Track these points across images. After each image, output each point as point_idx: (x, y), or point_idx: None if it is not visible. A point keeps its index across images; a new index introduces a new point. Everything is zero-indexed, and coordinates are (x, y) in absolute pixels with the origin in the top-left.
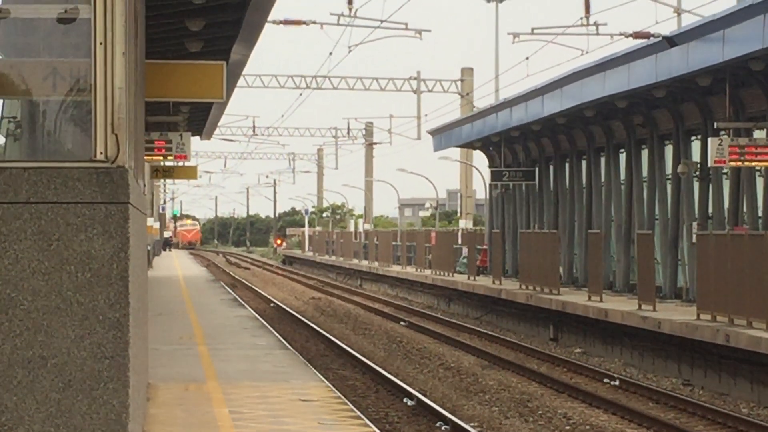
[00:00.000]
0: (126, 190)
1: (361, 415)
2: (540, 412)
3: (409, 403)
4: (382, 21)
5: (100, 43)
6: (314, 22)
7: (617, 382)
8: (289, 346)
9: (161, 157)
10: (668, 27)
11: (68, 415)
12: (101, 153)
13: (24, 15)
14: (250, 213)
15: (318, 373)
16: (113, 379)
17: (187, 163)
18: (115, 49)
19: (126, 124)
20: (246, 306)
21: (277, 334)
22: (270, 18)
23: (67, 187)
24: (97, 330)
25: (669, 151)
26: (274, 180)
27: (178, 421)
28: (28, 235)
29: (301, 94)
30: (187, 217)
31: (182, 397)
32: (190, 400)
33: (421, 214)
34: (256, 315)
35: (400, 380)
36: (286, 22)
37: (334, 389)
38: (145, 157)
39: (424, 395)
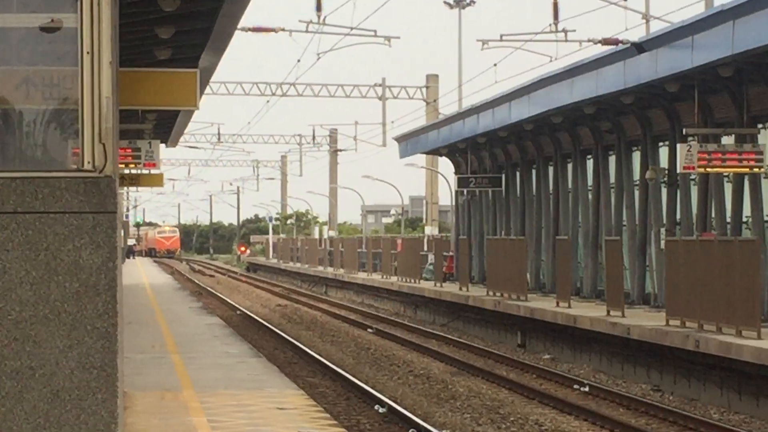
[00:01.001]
0: (114, 200)
1: (340, 424)
2: (512, 418)
3: (381, 410)
4: (351, 28)
5: (87, 53)
6: (283, 30)
7: (587, 388)
8: (261, 355)
9: (131, 166)
10: (637, 33)
11: (57, 425)
12: (89, 162)
13: (8, 24)
14: (214, 220)
15: (292, 382)
16: (102, 389)
17: (153, 171)
18: (102, 58)
19: (113, 133)
20: (214, 314)
21: (248, 343)
22: (239, 25)
23: (55, 197)
24: (86, 340)
25: (637, 157)
26: (238, 187)
27: (157, 430)
28: (15, 245)
29: (268, 101)
30: (161, 224)
31: (159, 406)
32: (167, 408)
33: (385, 220)
34: (225, 323)
35: (371, 387)
36: (255, 30)
37: (310, 397)
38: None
39: (395, 402)
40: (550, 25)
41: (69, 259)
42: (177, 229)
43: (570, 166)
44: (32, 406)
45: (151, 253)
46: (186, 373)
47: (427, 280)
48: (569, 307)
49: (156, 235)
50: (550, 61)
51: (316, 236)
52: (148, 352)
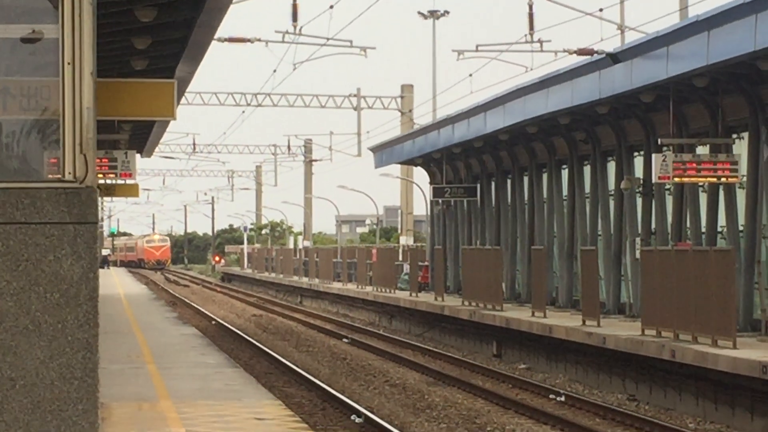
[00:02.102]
0: (95, 211)
1: None
2: (488, 428)
3: (357, 420)
4: (327, 39)
5: (68, 63)
6: (259, 40)
7: (563, 398)
8: (238, 365)
9: (107, 176)
10: (612, 44)
11: None
12: (69, 173)
13: None
14: (188, 230)
15: (269, 392)
16: (83, 400)
17: (129, 181)
18: (83, 68)
19: (94, 144)
20: (190, 324)
21: (224, 353)
22: (215, 35)
23: (36, 207)
24: (66, 351)
25: (612, 167)
26: (213, 197)
27: None
28: None
29: (243, 112)
30: (154, 233)
31: (136, 417)
32: (144, 419)
33: (360, 230)
34: (201, 333)
35: (347, 397)
36: (231, 40)
37: (287, 407)
38: None
39: (372, 412)
40: (525, 35)
41: (50, 270)
42: (167, 239)
43: (545, 176)
44: (13, 417)
45: (138, 264)
46: (163, 383)
47: (402, 290)
48: (545, 316)
49: (144, 244)
50: (526, 71)
51: (291, 246)
52: (125, 362)
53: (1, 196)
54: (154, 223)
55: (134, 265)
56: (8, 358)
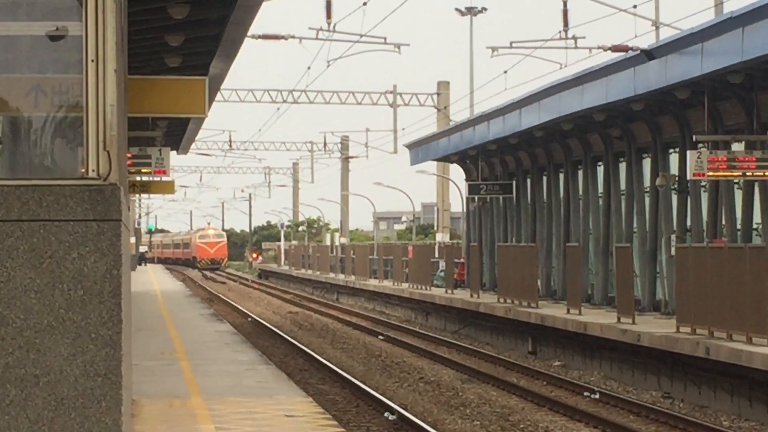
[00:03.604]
0: (118, 208)
1: None
2: (522, 425)
3: (390, 417)
4: (361, 35)
5: (92, 60)
6: (293, 37)
7: (597, 395)
8: (271, 362)
9: (142, 173)
10: (647, 40)
11: None
12: (93, 170)
13: (14, 32)
14: (226, 227)
15: (301, 389)
16: (106, 397)
17: (164, 178)
18: (106, 66)
19: (117, 141)
20: (225, 321)
21: (257, 350)
22: (248, 33)
23: (59, 205)
24: (90, 348)
25: (647, 164)
26: (250, 194)
27: None
28: (20, 253)
29: (278, 109)
30: (209, 227)
31: (167, 413)
32: (174, 416)
33: (396, 227)
34: (235, 330)
35: (380, 394)
36: (265, 37)
37: (319, 405)
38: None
39: (405, 409)
40: (560, 32)
41: (73, 267)
42: (224, 234)
43: (580, 173)
44: (36, 414)
45: (190, 263)
46: (194, 380)
47: (438, 286)
48: (580, 314)
49: (197, 240)
50: (560, 68)
51: (328, 243)
52: (158, 359)
53: (25, 193)
54: (191, 219)
55: (184, 263)
56: (32, 355)
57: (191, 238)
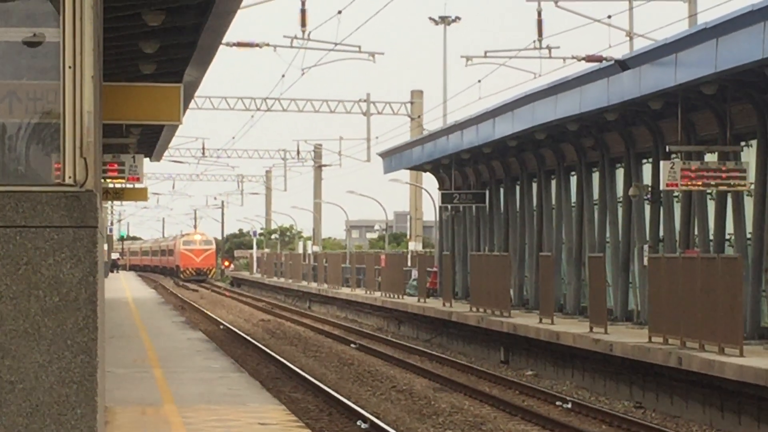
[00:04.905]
0: (95, 215)
1: None
2: None
3: (363, 426)
4: (336, 44)
5: (69, 67)
6: (267, 45)
7: (570, 405)
8: (244, 370)
9: (115, 180)
10: (621, 51)
11: None
12: (70, 177)
13: None
14: None
15: (274, 397)
16: (81, 404)
17: (137, 185)
18: (84, 72)
19: (94, 147)
20: (197, 328)
21: (230, 357)
22: (223, 40)
23: (36, 211)
24: (65, 355)
25: (620, 174)
26: (222, 202)
27: None
28: None
29: (252, 116)
30: (195, 232)
31: (140, 421)
32: (148, 423)
33: (369, 236)
34: (207, 338)
35: (353, 403)
36: (240, 45)
37: (291, 413)
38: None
39: (378, 418)
40: (534, 41)
41: (49, 274)
42: (213, 240)
43: (554, 183)
44: (11, 421)
45: (172, 272)
46: (167, 387)
47: (410, 295)
48: (552, 323)
49: (181, 246)
50: (534, 77)
51: (300, 251)
52: (130, 366)
53: (1, 199)
54: (163, 227)
55: (166, 272)
56: (7, 362)
57: (174, 244)
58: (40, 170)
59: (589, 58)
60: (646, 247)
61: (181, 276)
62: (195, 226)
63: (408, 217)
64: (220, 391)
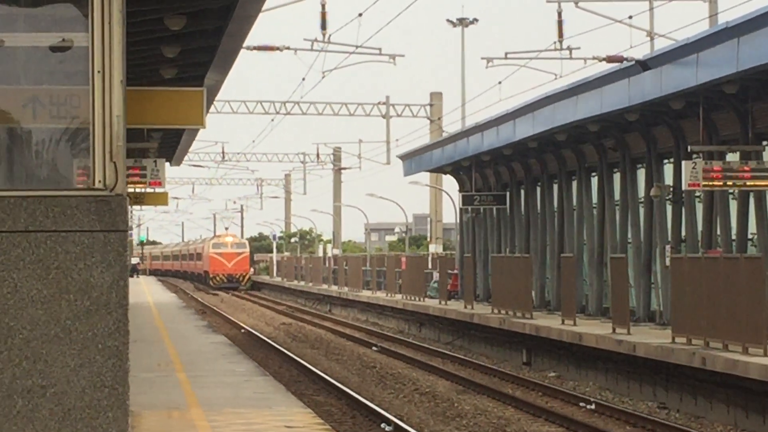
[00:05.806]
0: (125, 218)
1: None
2: None
3: (387, 428)
4: (356, 46)
5: (98, 71)
6: (288, 48)
7: (593, 406)
8: (267, 373)
9: (136, 184)
10: (642, 51)
11: None
12: (99, 181)
13: (19, 44)
14: None
15: (299, 400)
16: (113, 407)
17: (158, 190)
18: (113, 77)
19: (124, 152)
20: (219, 332)
21: (253, 361)
22: (244, 44)
23: (66, 216)
24: (97, 359)
25: (641, 174)
26: (242, 205)
27: None
28: (26, 264)
29: (272, 120)
30: (226, 234)
31: (166, 425)
32: (174, 427)
33: (389, 238)
34: (230, 341)
35: (376, 405)
36: (260, 48)
37: (317, 416)
38: None
39: (401, 420)
40: (554, 42)
41: (80, 278)
42: (246, 243)
43: (575, 184)
44: (43, 426)
45: (201, 278)
46: (192, 391)
47: (431, 297)
48: (574, 324)
49: (211, 250)
50: (555, 78)
51: (320, 254)
52: (154, 370)
53: (32, 204)
54: (183, 231)
55: (194, 278)
56: (39, 366)
57: (203, 247)
58: (64, 175)
59: (610, 59)
60: (668, 247)
61: (211, 283)
62: (214, 231)
63: (428, 219)
64: (246, 394)
